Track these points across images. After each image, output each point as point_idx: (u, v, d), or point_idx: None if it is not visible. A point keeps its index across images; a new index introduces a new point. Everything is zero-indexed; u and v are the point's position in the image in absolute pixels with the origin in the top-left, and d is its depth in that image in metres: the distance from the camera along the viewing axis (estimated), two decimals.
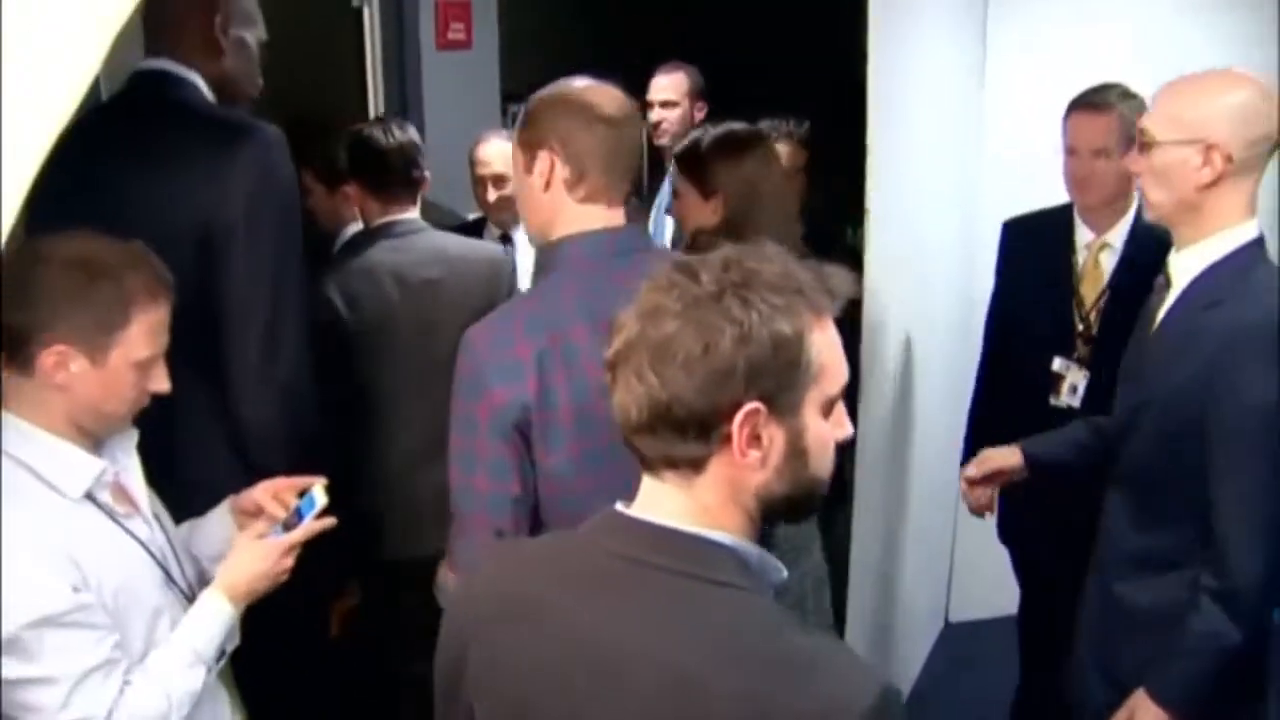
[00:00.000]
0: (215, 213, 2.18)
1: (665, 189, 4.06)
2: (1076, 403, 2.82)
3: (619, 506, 1.25)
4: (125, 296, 1.68)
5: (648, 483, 1.24)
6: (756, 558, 1.22)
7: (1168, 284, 2.15)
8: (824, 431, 1.21)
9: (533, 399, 1.78)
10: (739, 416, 1.15)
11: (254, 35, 2.45)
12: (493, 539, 1.80)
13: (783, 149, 3.44)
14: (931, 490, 3.66)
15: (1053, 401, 2.88)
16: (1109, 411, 2.35)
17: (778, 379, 1.15)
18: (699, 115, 4.20)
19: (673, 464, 1.20)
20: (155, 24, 2.32)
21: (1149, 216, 2.13)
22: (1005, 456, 2.51)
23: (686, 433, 1.17)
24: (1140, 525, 2.15)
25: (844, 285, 1.21)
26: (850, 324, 2.14)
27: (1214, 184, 1.97)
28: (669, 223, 3.68)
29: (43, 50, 0.98)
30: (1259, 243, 2.04)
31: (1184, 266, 2.08)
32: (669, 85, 4.22)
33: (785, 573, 1.25)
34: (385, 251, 2.93)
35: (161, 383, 1.76)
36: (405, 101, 4.44)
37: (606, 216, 1.90)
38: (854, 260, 2.82)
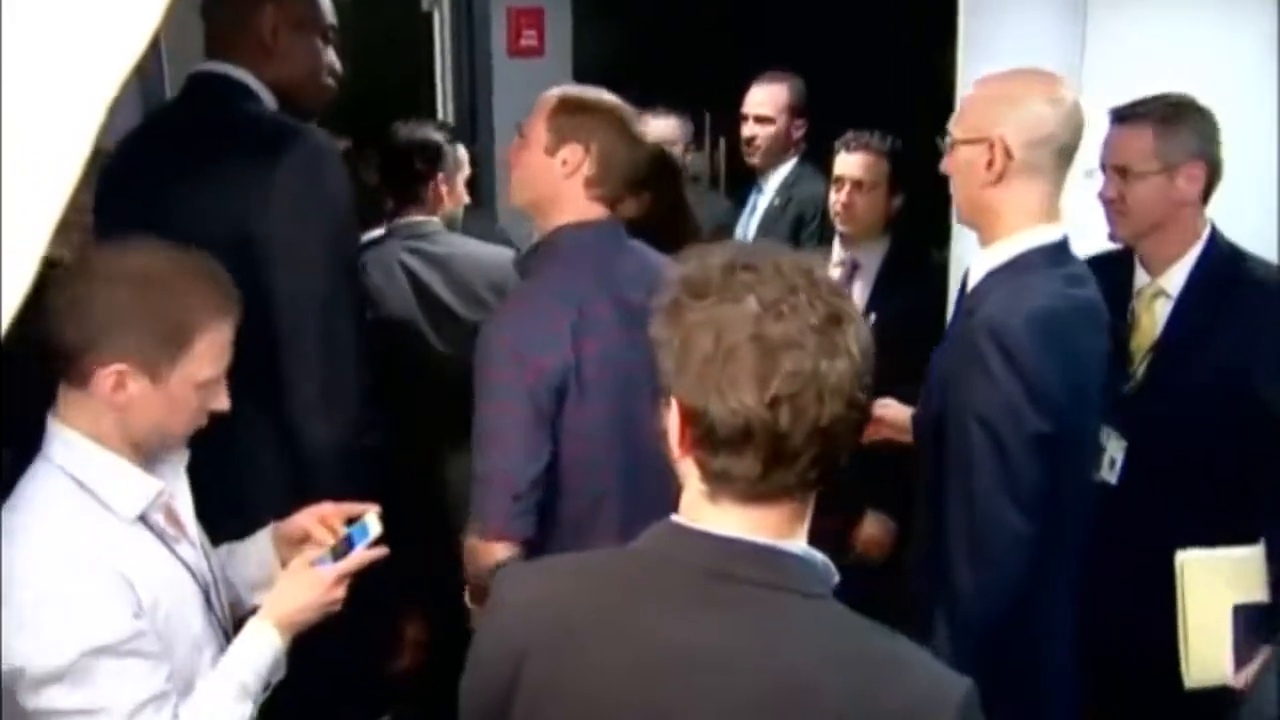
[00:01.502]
0: (255, 224, 2.12)
1: (756, 203, 4.02)
2: (1114, 479, 2.39)
3: (679, 519, 1.24)
4: (189, 314, 1.61)
5: (714, 496, 1.22)
6: (821, 564, 1.23)
7: (962, 289, 2.11)
8: None
9: (572, 364, 2.00)
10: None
11: (320, 39, 2.36)
12: (516, 501, 1.97)
13: (859, 159, 3.34)
14: None
15: (1095, 474, 2.44)
16: (1151, 489, 2.25)
17: None
18: (797, 133, 4.00)
19: (790, 491, 1.20)
20: (212, 26, 2.28)
21: (955, 219, 2.13)
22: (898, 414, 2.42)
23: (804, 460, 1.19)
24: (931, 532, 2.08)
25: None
26: (933, 343, 2.18)
27: (999, 182, 1.97)
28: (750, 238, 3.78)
29: (70, 60, 0.95)
30: (1053, 249, 2.00)
31: (975, 271, 2.06)
32: (765, 99, 3.99)
33: (838, 576, 1.26)
34: (402, 253, 2.89)
35: (222, 401, 1.70)
36: (475, 108, 4.39)
37: (604, 213, 2.15)
38: (939, 280, 2.81)
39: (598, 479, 2.09)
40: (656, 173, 2.51)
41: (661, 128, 3.70)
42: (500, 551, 2.00)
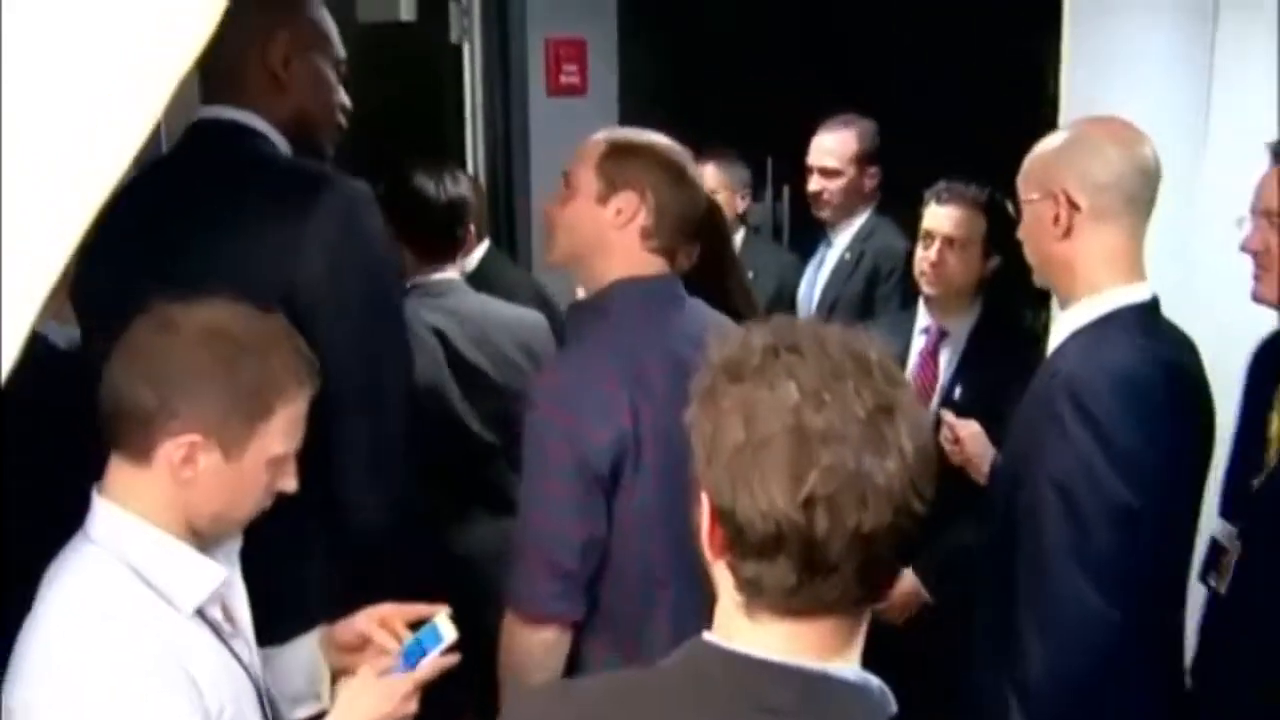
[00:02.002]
0: (290, 287, 1.97)
1: (824, 257, 3.80)
2: (1223, 588, 2.13)
3: (711, 637, 1.16)
4: (272, 382, 1.53)
5: (749, 608, 1.13)
6: (877, 690, 1.15)
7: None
8: None
9: (630, 433, 1.90)
10: None
11: (330, 58, 2.19)
12: (559, 580, 1.90)
13: (952, 213, 3.03)
14: None
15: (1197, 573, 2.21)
16: (1268, 602, 2.05)
17: None
18: (869, 183, 3.71)
19: (830, 608, 1.12)
20: (208, 67, 2.08)
21: (1036, 282, 2.12)
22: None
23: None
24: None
25: None
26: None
27: (1068, 236, 1.96)
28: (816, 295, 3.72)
29: (96, 102, 0.96)
30: (1143, 309, 1.97)
31: (1058, 332, 2.05)
32: (833, 149, 3.71)
33: (895, 706, 1.17)
34: (425, 312, 2.82)
35: (291, 482, 1.61)
36: (510, 152, 4.20)
37: (662, 266, 2.05)
38: (1034, 351, 2.59)
39: (649, 561, 1.99)
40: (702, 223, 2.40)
41: (708, 174, 3.50)
42: (543, 634, 1.94)
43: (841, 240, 3.73)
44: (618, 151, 2.03)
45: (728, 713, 1.12)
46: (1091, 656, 1.85)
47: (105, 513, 1.52)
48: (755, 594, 1.12)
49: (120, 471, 1.53)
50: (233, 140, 2.10)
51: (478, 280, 3.41)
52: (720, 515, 1.10)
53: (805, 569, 1.08)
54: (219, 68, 2.07)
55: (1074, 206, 1.95)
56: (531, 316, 3.03)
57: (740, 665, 1.13)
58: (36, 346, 2.45)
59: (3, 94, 0.93)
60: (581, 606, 1.95)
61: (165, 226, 2.04)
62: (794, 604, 1.10)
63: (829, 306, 3.64)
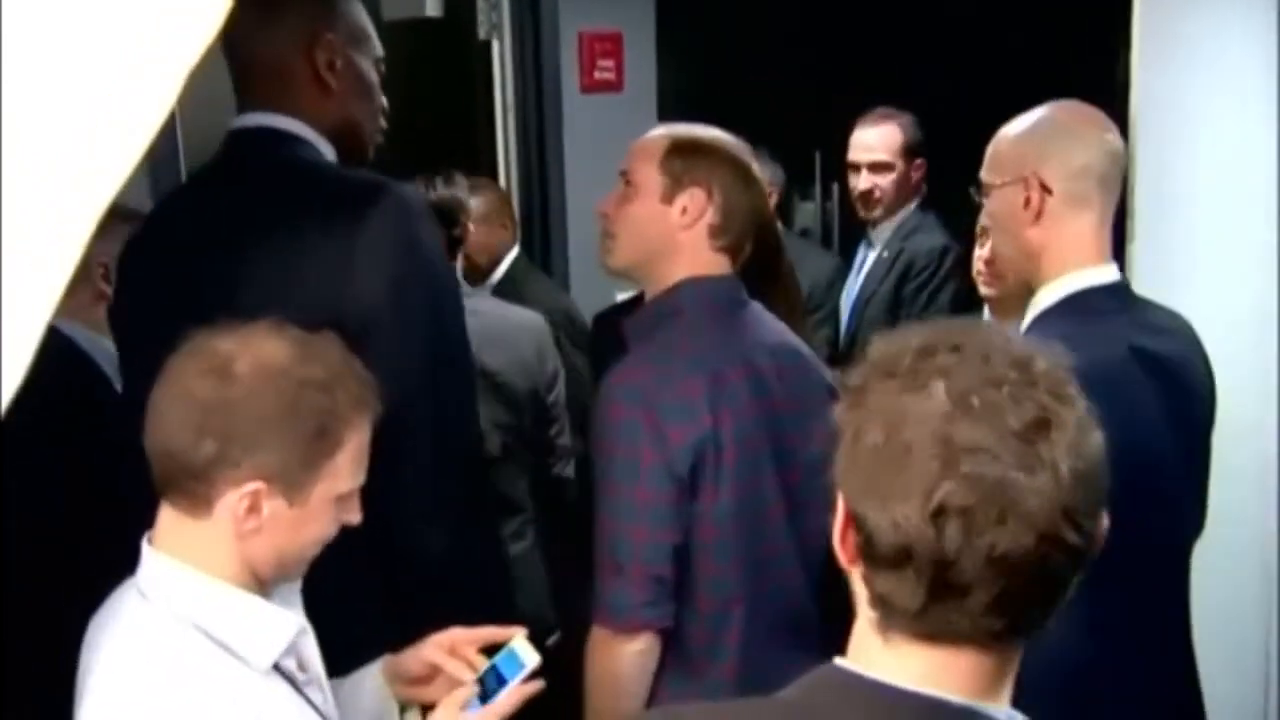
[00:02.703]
0: (343, 305, 1.87)
1: (865, 259, 3.66)
2: None
3: (845, 663, 1.10)
4: (336, 416, 1.44)
5: (883, 628, 1.08)
6: None
7: None
8: None
9: (710, 436, 1.89)
10: None
11: (372, 58, 2.10)
12: (652, 587, 1.89)
13: None
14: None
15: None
16: None
17: None
18: (916, 176, 3.55)
19: (963, 637, 1.05)
20: (245, 72, 2.03)
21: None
22: None
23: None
24: None
25: None
26: None
27: (1038, 220, 1.97)
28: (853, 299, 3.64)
29: (98, 100, 0.95)
30: (1113, 289, 1.99)
31: (1026, 318, 2.03)
32: (880, 143, 3.54)
33: None
34: None
35: (355, 514, 1.53)
36: (543, 152, 4.12)
37: (726, 266, 2.04)
38: None
39: (724, 575, 1.98)
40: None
41: None
42: (637, 644, 1.91)
43: (882, 239, 3.59)
44: (682, 148, 2.02)
45: None
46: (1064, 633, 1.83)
47: (161, 568, 1.44)
48: (887, 612, 1.07)
49: (174, 522, 1.45)
50: (277, 149, 2.02)
51: (503, 290, 3.34)
52: (853, 520, 1.06)
53: (934, 589, 1.02)
54: (259, 73, 2.00)
55: (1046, 191, 1.97)
56: (534, 318, 3.07)
57: (876, 696, 1.07)
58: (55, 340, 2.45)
59: (2, 93, 0.92)
60: (671, 614, 1.93)
61: (208, 243, 1.97)
62: (925, 628, 1.05)
63: (862, 306, 3.53)
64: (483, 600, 1.92)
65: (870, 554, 1.05)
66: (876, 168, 3.51)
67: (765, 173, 3.64)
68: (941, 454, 1.00)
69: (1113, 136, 2.02)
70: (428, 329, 1.96)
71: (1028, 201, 1.97)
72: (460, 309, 2.07)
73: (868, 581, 1.07)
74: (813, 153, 4.35)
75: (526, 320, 3.06)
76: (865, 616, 1.09)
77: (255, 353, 1.43)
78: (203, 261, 1.94)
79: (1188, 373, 2.02)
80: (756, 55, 4.46)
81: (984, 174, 2.07)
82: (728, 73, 4.40)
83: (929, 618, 1.03)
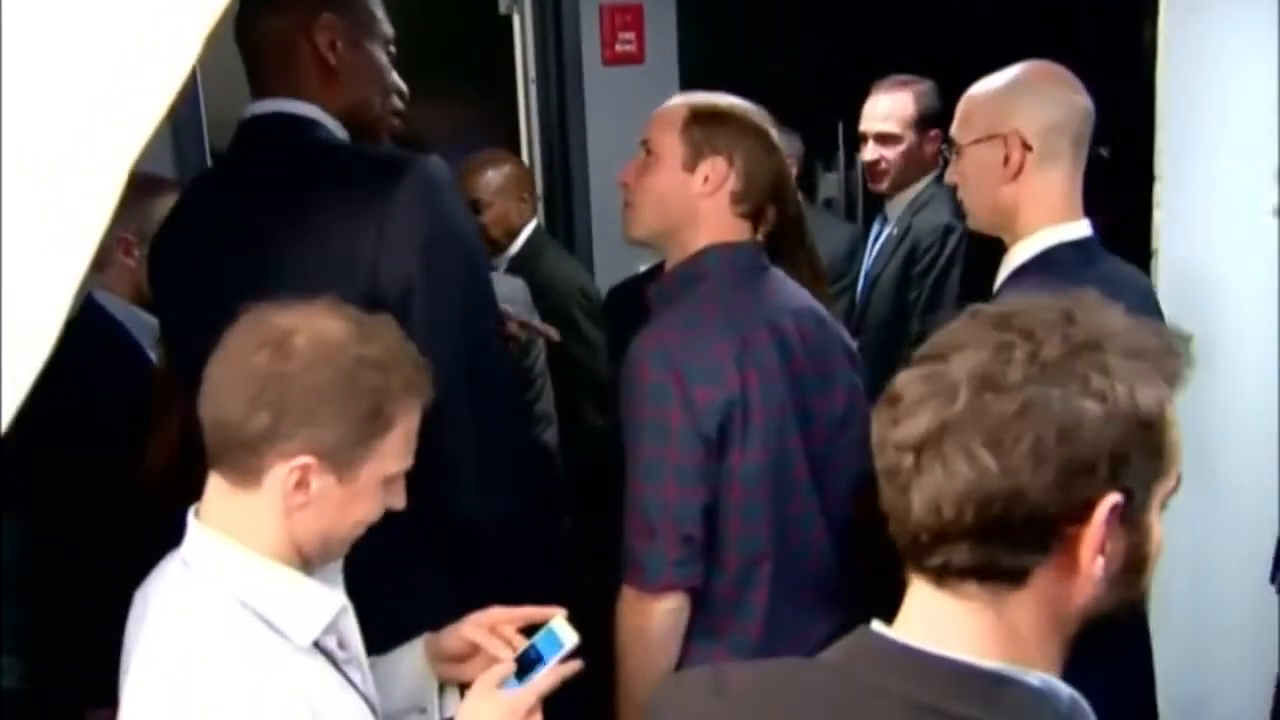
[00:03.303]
0: (384, 275, 1.89)
1: (880, 235, 3.51)
2: None
3: (881, 629, 1.10)
4: (389, 396, 1.44)
5: (930, 597, 1.08)
6: (1068, 701, 1.06)
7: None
8: (1160, 535, 1.10)
9: (738, 396, 1.91)
10: (1098, 516, 1.02)
11: (381, 39, 2.10)
12: (682, 547, 1.90)
13: None
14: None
15: None
16: None
17: (1140, 469, 1.03)
18: (930, 148, 3.38)
19: (989, 575, 1.05)
20: (254, 59, 2.04)
21: (971, 225, 2.16)
22: None
23: (1022, 536, 1.03)
24: None
25: (1185, 346, 1.08)
26: None
27: (1017, 177, 2.00)
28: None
29: (96, 98, 0.95)
30: (1083, 244, 2.02)
31: (1000, 275, 2.07)
32: (888, 112, 3.39)
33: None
34: None
35: (400, 498, 1.53)
36: (565, 126, 4.11)
37: (748, 232, 2.06)
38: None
39: (753, 535, 1.99)
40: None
41: None
42: (668, 603, 1.93)
43: (895, 214, 3.46)
44: (702, 117, 2.02)
45: (890, 717, 1.06)
46: None
47: (207, 541, 1.44)
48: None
49: (222, 495, 1.44)
50: (292, 132, 2.01)
51: (519, 263, 3.32)
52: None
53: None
54: (266, 58, 2.01)
55: (1025, 147, 1.99)
56: (515, 283, 3.06)
57: (911, 662, 1.07)
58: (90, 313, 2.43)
59: (3, 91, 0.92)
60: (701, 573, 1.94)
61: (236, 230, 1.97)
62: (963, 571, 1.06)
63: (870, 286, 3.42)
64: (528, 567, 1.96)
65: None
66: (883, 139, 3.37)
67: (784, 143, 3.65)
68: None
69: (1082, 97, 2.05)
70: (464, 295, 1.96)
71: (1007, 159, 2.00)
72: (489, 275, 2.08)
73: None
74: (836, 123, 4.29)
75: (502, 284, 3.00)
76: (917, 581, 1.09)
77: (314, 328, 1.43)
78: (236, 249, 1.95)
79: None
80: (778, 26, 4.41)
81: (955, 132, 2.10)
82: (749, 44, 4.35)
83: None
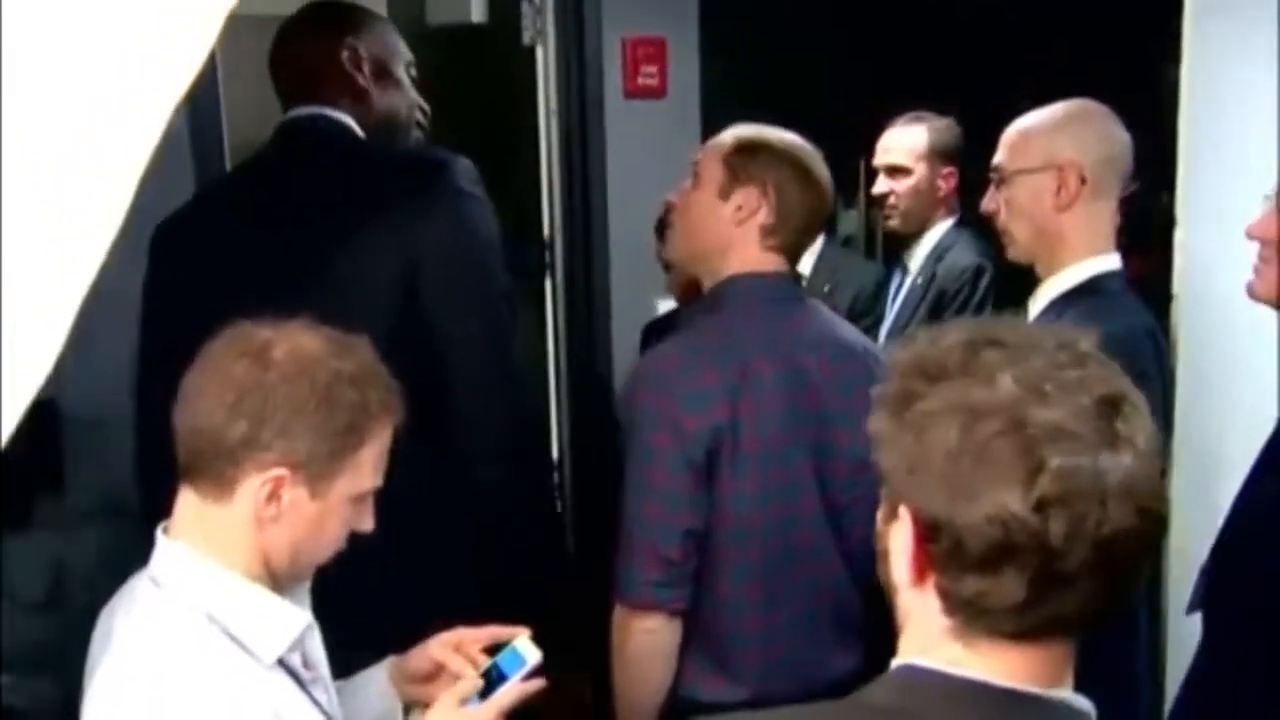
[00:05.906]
0: (423, 247, 2.08)
1: (901, 284, 3.43)
2: None
3: (921, 661, 1.07)
4: (364, 413, 1.47)
5: (963, 632, 1.05)
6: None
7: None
8: None
9: (725, 425, 1.92)
10: None
11: (402, 61, 2.31)
12: (662, 568, 1.92)
13: None
14: None
15: None
16: None
17: None
18: (945, 185, 3.31)
19: (1066, 626, 1.05)
20: (288, 77, 2.23)
21: (1010, 254, 2.17)
22: None
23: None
24: None
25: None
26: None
27: (1068, 208, 2.04)
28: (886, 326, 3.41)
29: (101, 101, 0.95)
30: (1110, 276, 2.07)
31: (1038, 301, 2.10)
32: (899, 146, 3.35)
33: None
34: None
35: (368, 521, 1.54)
36: (586, 158, 4.07)
37: (780, 264, 2.06)
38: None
39: (745, 558, 2.00)
40: None
41: None
42: (648, 622, 1.96)
43: (916, 261, 3.38)
44: (744, 147, 2.06)
45: None
46: None
47: (177, 556, 1.45)
48: (974, 615, 1.04)
49: (193, 509, 1.45)
50: (334, 133, 2.18)
51: None
52: (932, 528, 1.03)
53: (1040, 581, 1.00)
54: (300, 74, 2.19)
55: (1081, 180, 2.03)
56: None
57: (954, 688, 1.05)
58: None
59: (3, 90, 0.92)
60: (685, 598, 1.96)
61: (273, 227, 2.11)
62: (1021, 624, 1.03)
63: (897, 337, 3.33)
64: (534, 538, 2.06)
65: (959, 557, 1.01)
66: (893, 171, 3.33)
67: None
68: (1027, 443, 0.98)
69: (1122, 131, 2.10)
70: (492, 267, 2.15)
71: (1060, 189, 2.03)
72: (504, 277, 2.21)
73: (947, 590, 1.04)
74: (857, 160, 4.23)
75: None
76: (935, 627, 1.06)
77: (293, 342, 1.45)
78: (268, 245, 2.08)
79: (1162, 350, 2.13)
80: (801, 61, 4.38)
81: (1004, 160, 2.12)
82: (772, 79, 4.32)
83: (1030, 612, 1.01)
